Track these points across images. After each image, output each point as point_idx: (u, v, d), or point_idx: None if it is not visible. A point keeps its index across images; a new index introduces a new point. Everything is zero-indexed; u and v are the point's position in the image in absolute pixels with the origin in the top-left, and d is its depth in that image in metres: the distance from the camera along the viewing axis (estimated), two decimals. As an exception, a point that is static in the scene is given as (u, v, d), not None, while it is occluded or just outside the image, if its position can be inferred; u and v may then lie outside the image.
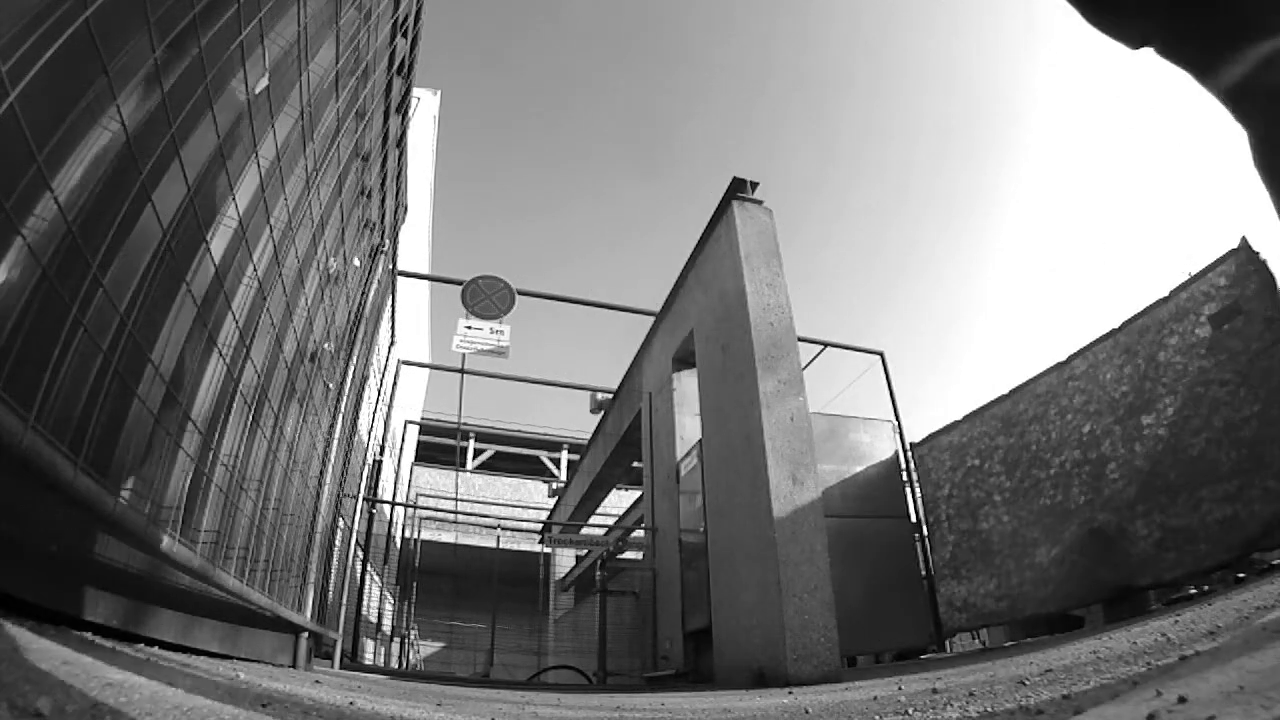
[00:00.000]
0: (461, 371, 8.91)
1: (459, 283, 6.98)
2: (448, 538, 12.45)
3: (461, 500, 13.91)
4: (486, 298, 6.84)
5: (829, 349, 8.66)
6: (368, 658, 7.62)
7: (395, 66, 4.20)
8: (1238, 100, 0.71)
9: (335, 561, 4.71)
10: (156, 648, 1.62)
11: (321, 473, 3.70)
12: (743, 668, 3.99)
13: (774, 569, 3.73)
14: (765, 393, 4.24)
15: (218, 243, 1.77)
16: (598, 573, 6.70)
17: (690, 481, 5.55)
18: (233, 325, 1.95)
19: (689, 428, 6.07)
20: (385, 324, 6.82)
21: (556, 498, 14.60)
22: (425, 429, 14.70)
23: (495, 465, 18.88)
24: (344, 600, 5.30)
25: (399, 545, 10.03)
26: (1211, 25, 0.70)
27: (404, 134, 5.14)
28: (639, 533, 7.52)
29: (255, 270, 2.07)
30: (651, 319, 7.44)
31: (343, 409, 4.10)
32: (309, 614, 3.34)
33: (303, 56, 2.26)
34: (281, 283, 2.39)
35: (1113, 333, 5.23)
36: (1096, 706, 1.09)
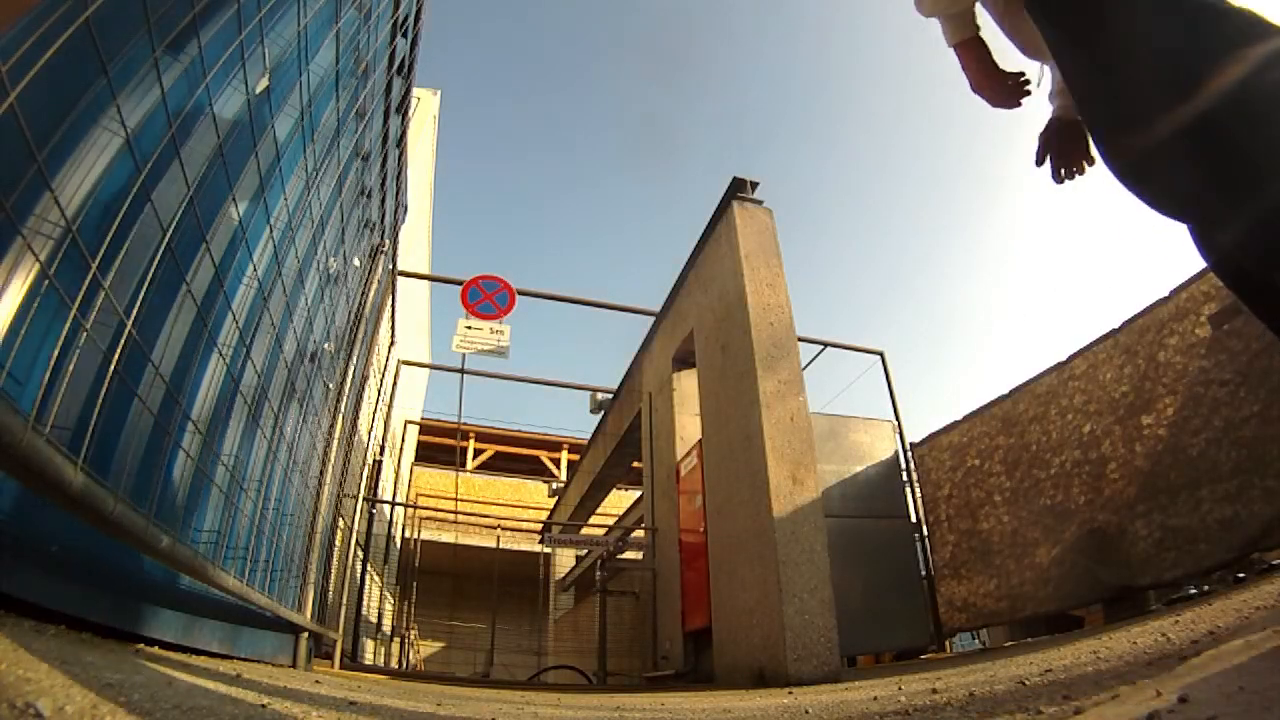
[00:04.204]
0: (461, 371, 8.90)
1: (459, 283, 6.98)
2: (448, 538, 12.44)
3: (461, 500, 13.89)
4: (486, 297, 6.84)
5: (829, 349, 8.66)
6: (368, 658, 7.61)
7: (395, 66, 4.21)
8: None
9: (335, 561, 4.71)
10: (156, 648, 1.62)
11: (321, 473, 3.70)
12: (743, 668, 3.99)
13: (774, 569, 3.73)
14: (765, 393, 4.24)
15: (218, 243, 1.77)
16: (598, 573, 6.69)
17: (690, 481, 5.55)
18: (233, 325, 1.95)
19: (689, 428, 6.07)
20: (385, 324, 6.82)
21: (556, 498, 14.58)
22: (425, 429, 14.69)
23: (495, 465, 18.87)
24: (344, 600, 5.30)
25: (399, 545, 10.02)
26: None
27: (404, 134, 5.14)
28: (639, 533, 7.52)
29: (255, 270, 2.08)
30: (651, 319, 7.43)
31: (343, 409, 4.10)
32: (309, 614, 3.34)
33: (303, 56, 2.26)
34: (281, 283, 2.39)
35: (1113, 333, 5.22)
36: (1096, 707, 1.09)
